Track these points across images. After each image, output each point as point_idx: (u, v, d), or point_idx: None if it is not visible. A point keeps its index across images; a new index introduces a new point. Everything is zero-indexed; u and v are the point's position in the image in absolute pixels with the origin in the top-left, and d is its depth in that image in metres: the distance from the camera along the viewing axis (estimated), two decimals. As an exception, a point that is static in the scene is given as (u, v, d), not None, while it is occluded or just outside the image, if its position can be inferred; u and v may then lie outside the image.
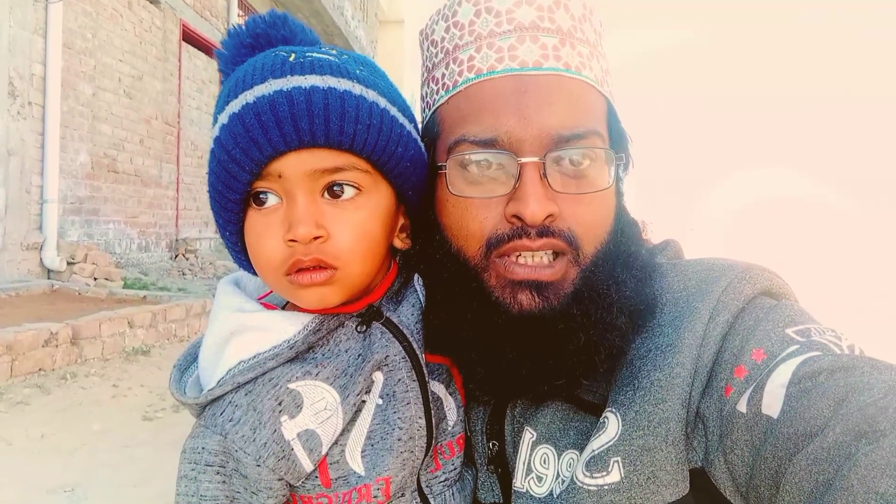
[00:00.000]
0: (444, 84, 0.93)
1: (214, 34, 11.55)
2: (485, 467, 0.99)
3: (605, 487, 0.79)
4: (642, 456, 0.78)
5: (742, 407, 0.74)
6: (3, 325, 5.07)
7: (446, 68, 0.93)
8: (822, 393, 0.68)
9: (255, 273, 0.92)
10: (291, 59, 0.84)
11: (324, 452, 0.85)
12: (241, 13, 12.76)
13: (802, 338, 0.77)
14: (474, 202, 0.87)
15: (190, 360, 0.96)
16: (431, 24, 0.99)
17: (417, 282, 0.98)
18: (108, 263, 8.10)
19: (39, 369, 5.10)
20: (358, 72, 0.86)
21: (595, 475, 0.80)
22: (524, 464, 0.92)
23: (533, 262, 0.85)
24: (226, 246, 0.94)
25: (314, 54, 0.85)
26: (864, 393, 0.65)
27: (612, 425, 0.82)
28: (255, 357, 0.85)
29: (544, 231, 0.83)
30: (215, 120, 0.86)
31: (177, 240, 10.60)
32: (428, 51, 0.99)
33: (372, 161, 0.84)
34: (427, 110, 0.99)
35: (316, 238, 0.81)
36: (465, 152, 0.87)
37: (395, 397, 0.89)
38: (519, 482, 0.92)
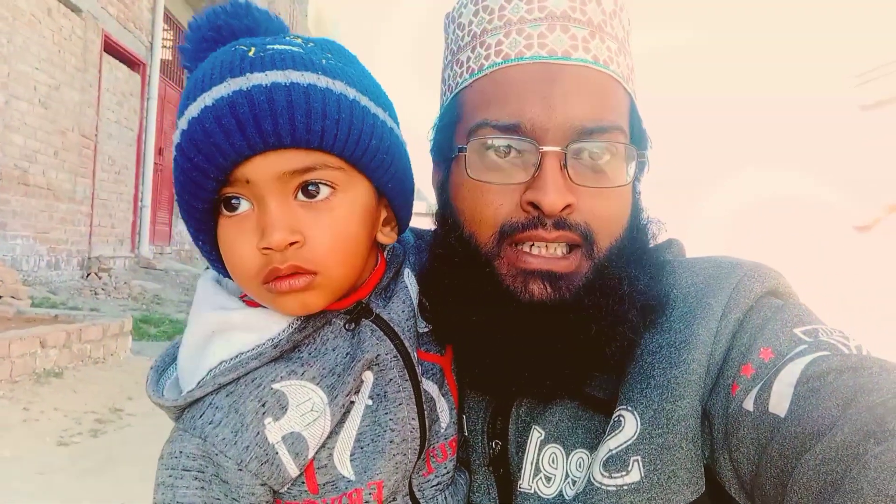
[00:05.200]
0: (468, 67, 0.92)
1: (138, 46, 11.18)
2: (483, 468, 0.97)
3: (625, 487, 0.78)
4: (662, 455, 0.78)
5: (749, 405, 0.74)
6: None
7: (472, 52, 0.92)
8: (831, 392, 0.67)
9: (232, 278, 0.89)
10: (251, 53, 0.79)
11: (310, 456, 0.82)
12: (166, 27, 12.43)
13: (810, 338, 0.77)
14: (491, 188, 0.86)
15: (168, 361, 0.92)
16: (459, 6, 0.98)
17: (408, 277, 0.96)
18: (14, 281, 7.59)
19: (-60, 392, 4.72)
20: (324, 62, 0.81)
21: (614, 475, 0.80)
22: (532, 464, 0.90)
23: (547, 253, 0.85)
24: (201, 253, 0.90)
25: (275, 46, 0.80)
26: (872, 393, 0.64)
27: (629, 424, 0.81)
28: (237, 357, 0.82)
29: (560, 223, 0.83)
30: (178, 124, 0.81)
31: (89, 258, 10.07)
32: (454, 34, 0.98)
33: (345, 157, 0.80)
34: (448, 93, 0.97)
35: (292, 244, 0.77)
36: (486, 136, 0.86)
37: (386, 398, 0.87)
38: (526, 483, 0.90)
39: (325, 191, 0.80)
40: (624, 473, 0.79)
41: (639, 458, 0.79)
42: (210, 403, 0.81)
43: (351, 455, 0.84)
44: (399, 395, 0.87)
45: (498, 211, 0.86)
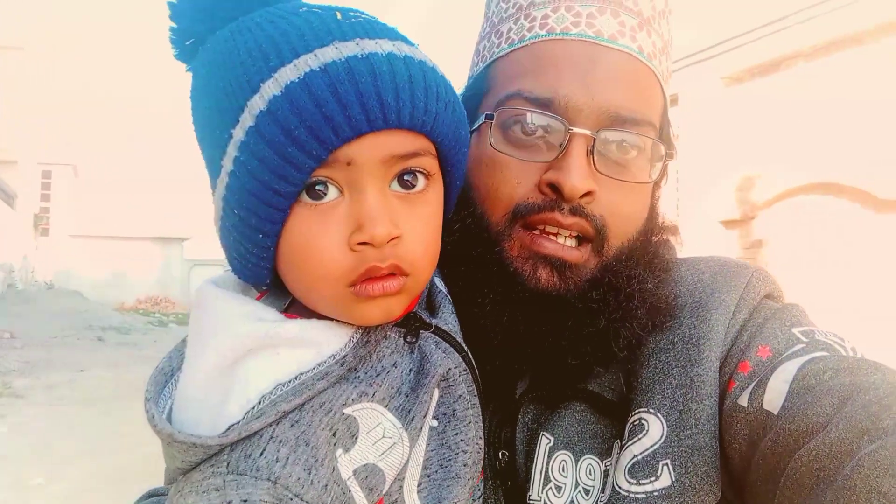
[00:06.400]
0: (508, 38, 0.89)
1: None
2: (489, 482, 0.91)
3: (655, 494, 0.76)
4: (693, 456, 0.76)
5: (743, 401, 0.74)
6: None
7: (514, 23, 0.89)
8: (827, 391, 0.67)
9: (254, 284, 0.77)
10: (339, 17, 0.68)
11: (385, 490, 0.71)
12: None
13: (807, 338, 0.79)
14: (511, 163, 0.84)
15: (159, 388, 0.74)
16: None
17: (441, 284, 0.89)
18: None
19: None
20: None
21: (642, 481, 0.77)
22: (541, 472, 0.86)
23: (557, 241, 0.83)
24: (237, 254, 0.73)
25: (360, 15, 0.70)
26: (868, 392, 0.64)
27: (654, 427, 0.79)
28: (296, 378, 0.68)
29: (577, 210, 0.81)
30: (252, 88, 0.64)
31: None
32: (497, 6, 0.95)
33: (444, 146, 0.72)
34: (480, 64, 0.95)
35: (392, 239, 0.68)
36: (516, 107, 0.83)
37: (455, 417, 0.78)
38: (536, 493, 0.86)
39: (421, 182, 0.72)
40: (653, 479, 0.77)
41: (668, 461, 0.77)
42: (272, 437, 0.65)
43: (418, 486, 0.74)
44: (468, 412, 0.79)
45: (515, 189, 0.83)
